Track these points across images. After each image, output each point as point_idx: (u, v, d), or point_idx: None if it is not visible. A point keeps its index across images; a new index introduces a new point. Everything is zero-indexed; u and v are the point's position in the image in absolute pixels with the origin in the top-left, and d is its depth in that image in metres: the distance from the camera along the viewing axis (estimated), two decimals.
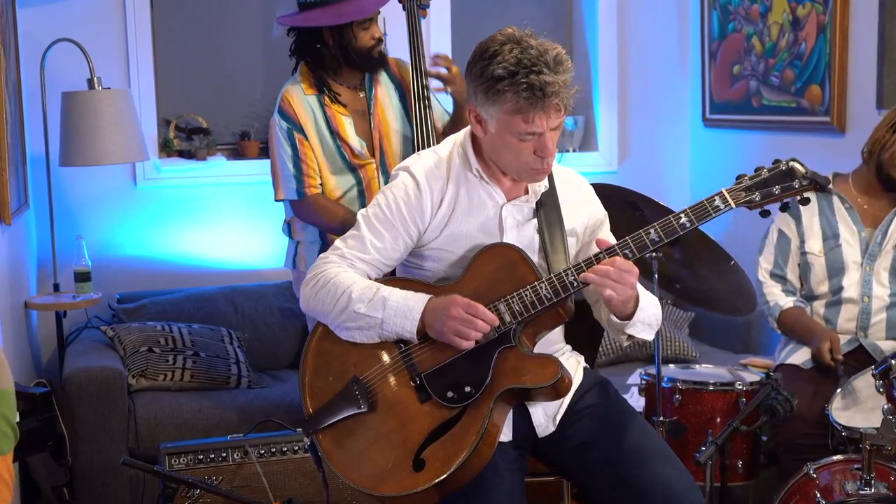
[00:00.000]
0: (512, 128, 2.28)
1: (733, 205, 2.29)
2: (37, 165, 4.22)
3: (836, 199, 3.49)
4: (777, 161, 2.32)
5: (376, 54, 3.47)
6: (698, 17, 4.98)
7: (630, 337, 2.43)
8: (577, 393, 2.48)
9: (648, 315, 2.40)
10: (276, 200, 3.53)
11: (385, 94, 3.54)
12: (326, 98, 3.45)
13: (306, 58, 3.47)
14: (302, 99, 3.43)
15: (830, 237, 3.47)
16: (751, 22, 4.65)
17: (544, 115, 2.25)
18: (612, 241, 2.43)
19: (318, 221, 3.48)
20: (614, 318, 2.38)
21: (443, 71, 3.49)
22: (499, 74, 2.23)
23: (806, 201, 2.34)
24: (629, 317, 2.37)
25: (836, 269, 3.46)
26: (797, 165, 2.30)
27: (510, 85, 2.22)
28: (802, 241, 3.50)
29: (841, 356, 3.31)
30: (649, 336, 2.43)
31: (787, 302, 3.51)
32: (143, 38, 4.43)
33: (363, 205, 3.46)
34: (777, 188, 2.30)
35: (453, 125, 3.54)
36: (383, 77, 3.56)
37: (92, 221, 4.43)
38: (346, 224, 3.29)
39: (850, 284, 3.43)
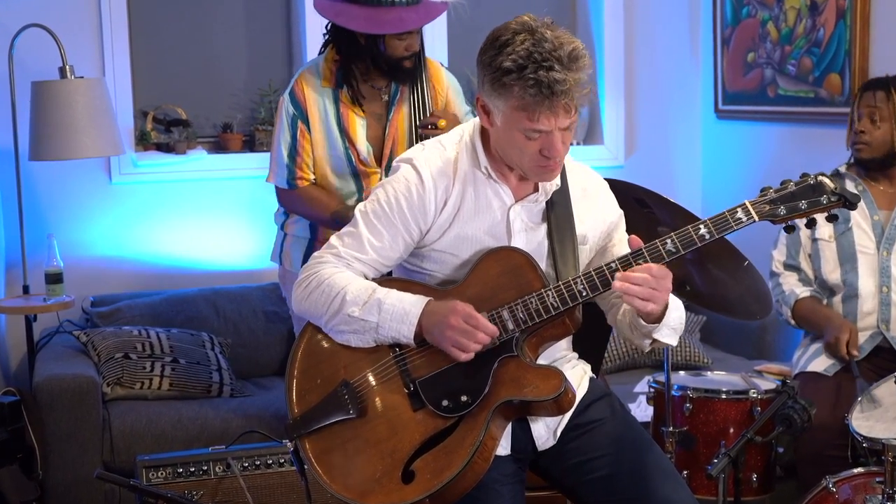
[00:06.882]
0: (517, 124, 2.27)
1: (756, 218, 2.29)
2: (5, 160, 4.21)
3: (847, 182, 3.53)
4: (805, 175, 2.32)
5: (407, 66, 3.41)
6: (710, 2, 4.98)
7: (654, 342, 2.41)
8: (580, 405, 2.47)
9: (674, 318, 2.38)
10: (267, 181, 3.52)
11: (407, 104, 3.51)
12: (343, 94, 3.43)
13: (340, 46, 3.41)
14: (317, 89, 3.41)
15: (841, 221, 3.49)
16: (766, 7, 4.65)
17: (551, 114, 2.23)
18: (626, 243, 2.43)
19: (306, 212, 3.47)
20: (642, 322, 2.35)
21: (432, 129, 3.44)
22: (507, 67, 2.21)
23: (833, 218, 2.34)
24: (658, 320, 2.34)
25: (847, 255, 3.50)
26: (826, 180, 2.30)
27: (517, 79, 2.20)
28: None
29: (857, 352, 3.36)
30: (673, 341, 2.41)
31: (804, 291, 3.56)
32: (119, 23, 4.42)
33: None
34: (804, 203, 2.29)
35: None
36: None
37: (64, 219, 4.42)
38: (336, 217, 3.29)
39: (865, 273, 3.46)
